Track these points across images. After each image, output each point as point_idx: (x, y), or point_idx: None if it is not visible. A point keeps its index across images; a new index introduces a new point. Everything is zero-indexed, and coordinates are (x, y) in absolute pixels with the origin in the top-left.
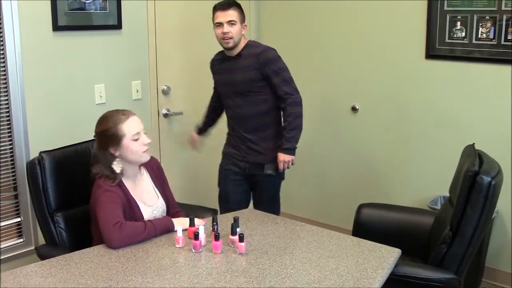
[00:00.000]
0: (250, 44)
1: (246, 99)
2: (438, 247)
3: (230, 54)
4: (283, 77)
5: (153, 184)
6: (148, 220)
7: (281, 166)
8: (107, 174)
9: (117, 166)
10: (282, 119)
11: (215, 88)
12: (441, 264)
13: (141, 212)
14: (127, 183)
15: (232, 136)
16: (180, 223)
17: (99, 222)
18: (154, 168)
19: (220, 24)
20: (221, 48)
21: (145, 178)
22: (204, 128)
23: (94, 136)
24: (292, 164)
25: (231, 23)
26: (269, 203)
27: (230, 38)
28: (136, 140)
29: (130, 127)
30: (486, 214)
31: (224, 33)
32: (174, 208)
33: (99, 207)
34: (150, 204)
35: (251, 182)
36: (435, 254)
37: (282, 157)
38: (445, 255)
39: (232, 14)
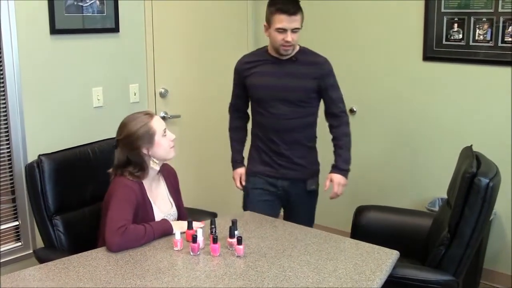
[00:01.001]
0: (304, 50)
1: (295, 109)
2: (437, 249)
3: (279, 57)
4: (339, 94)
5: (168, 192)
6: (148, 224)
7: (337, 189)
8: (133, 172)
9: (154, 164)
10: (334, 137)
11: (238, 96)
12: (439, 266)
13: (154, 215)
14: (146, 185)
15: (263, 152)
16: (179, 226)
17: (107, 218)
18: (171, 177)
19: (283, 30)
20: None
21: (162, 185)
22: (242, 158)
23: (117, 143)
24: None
25: (295, 30)
26: (306, 219)
27: (291, 46)
28: (164, 136)
29: (158, 124)
30: (484, 215)
31: (287, 41)
32: (183, 218)
33: (113, 200)
34: (163, 211)
35: (284, 200)
36: (433, 256)
37: (340, 179)
38: (444, 256)
39: (298, 20)
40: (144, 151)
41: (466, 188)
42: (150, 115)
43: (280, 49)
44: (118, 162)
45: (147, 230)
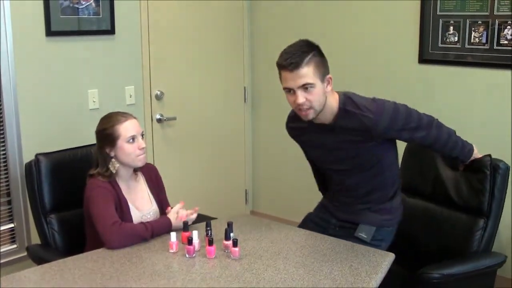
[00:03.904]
0: (345, 111)
1: (355, 170)
2: (473, 235)
3: (317, 121)
4: (412, 132)
5: (149, 190)
6: (147, 222)
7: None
8: (102, 172)
9: (112, 167)
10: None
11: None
12: (482, 250)
13: (130, 215)
14: (121, 184)
15: (334, 193)
16: (176, 221)
17: (95, 220)
18: (152, 174)
19: (290, 91)
20: None
21: (141, 183)
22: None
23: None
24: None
25: (306, 87)
26: None
27: (309, 109)
28: (131, 143)
29: (126, 129)
30: (505, 194)
31: (299, 104)
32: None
33: (93, 203)
34: (142, 209)
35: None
36: (470, 243)
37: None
38: (482, 240)
39: (305, 75)
40: (108, 151)
41: (492, 173)
42: (125, 117)
43: (298, 114)
44: (93, 159)
45: (147, 226)
